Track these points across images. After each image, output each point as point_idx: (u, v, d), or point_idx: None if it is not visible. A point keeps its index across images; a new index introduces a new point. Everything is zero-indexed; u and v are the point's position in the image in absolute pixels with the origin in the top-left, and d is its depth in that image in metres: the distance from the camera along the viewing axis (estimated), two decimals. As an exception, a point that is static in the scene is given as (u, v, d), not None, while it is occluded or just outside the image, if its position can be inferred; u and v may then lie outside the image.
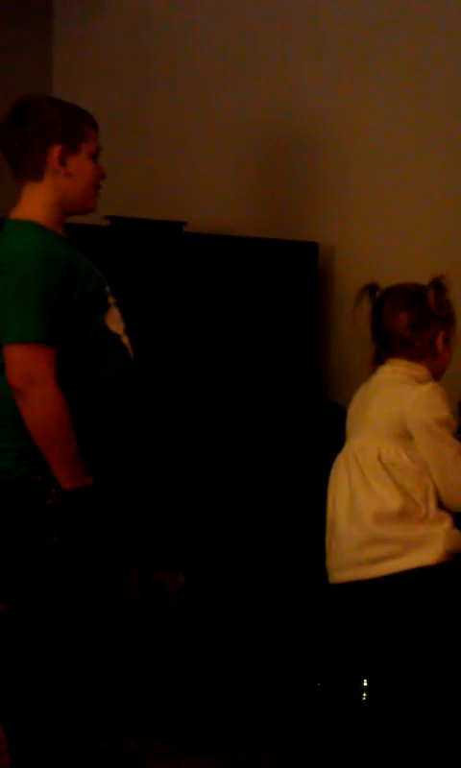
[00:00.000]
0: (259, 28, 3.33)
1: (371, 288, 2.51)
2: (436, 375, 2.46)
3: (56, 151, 2.27)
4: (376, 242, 3.22)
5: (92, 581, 2.27)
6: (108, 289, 2.33)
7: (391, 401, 2.39)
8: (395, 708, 2.29)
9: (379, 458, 2.34)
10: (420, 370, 2.42)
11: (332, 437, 2.63)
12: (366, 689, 2.29)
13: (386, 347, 2.46)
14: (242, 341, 3.18)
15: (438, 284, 2.43)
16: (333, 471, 2.47)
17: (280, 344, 3.19)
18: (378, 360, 2.48)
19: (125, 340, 2.35)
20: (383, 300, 2.48)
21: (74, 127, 2.29)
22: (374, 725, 2.33)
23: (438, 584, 2.24)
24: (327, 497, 2.46)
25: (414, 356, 2.43)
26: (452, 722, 2.24)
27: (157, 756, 2.51)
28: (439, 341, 2.43)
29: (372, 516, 2.30)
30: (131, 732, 2.53)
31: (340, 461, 2.44)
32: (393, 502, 2.29)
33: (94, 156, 2.33)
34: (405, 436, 2.34)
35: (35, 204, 2.29)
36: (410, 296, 2.45)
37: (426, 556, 2.25)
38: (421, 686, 2.25)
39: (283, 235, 3.25)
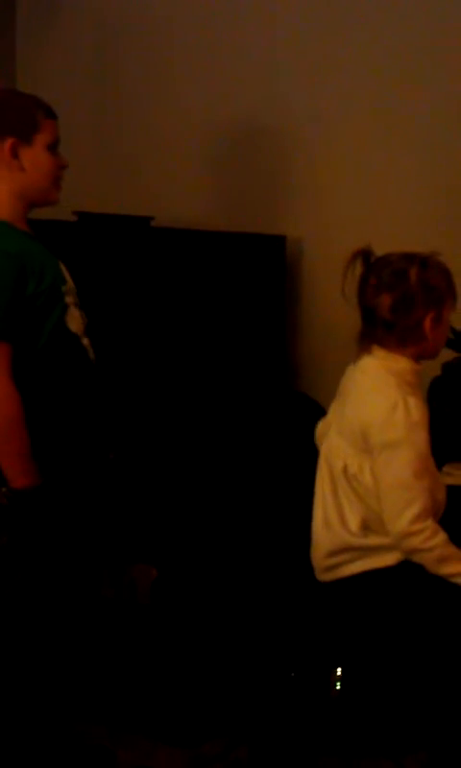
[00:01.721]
0: (227, 23, 3.33)
1: (365, 254, 2.27)
2: (427, 357, 2.29)
3: (7, 144, 2.24)
4: (345, 234, 3.21)
5: (44, 581, 2.26)
6: (65, 288, 2.31)
7: (359, 410, 2.23)
8: (367, 698, 2.30)
9: (345, 469, 2.24)
10: (400, 362, 2.24)
11: (302, 428, 2.63)
12: (339, 679, 2.30)
13: (369, 329, 2.25)
14: (211, 335, 3.18)
15: (423, 262, 2.23)
16: (317, 470, 2.38)
17: (250, 337, 3.19)
18: (363, 341, 2.27)
19: (85, 341, 2.33)
20: (369, 272, 2.25)
21: (26, 118, 2.25)
22: (347, 714, 2.35)
23: (397, 583, 2.23)
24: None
25: (398, 342, 2.23)
26: (422, 711, 2.25)
27: (132, 749, 2.51)
28: (426, 323, 2.22)
29: (341, 526, 2.25)
30: (104, 725, 2.53)
31: (321, 461, 2.35)
32: (354, 515, 2.24)
33: (51, 147, 2.29)
34: (369, 451, 2.21)
35: None
36: (395, 274, 2.22)
37: (386, 558, 2.22)
38: (391, 677, 2.26)
39: (251, 229, 3.25)
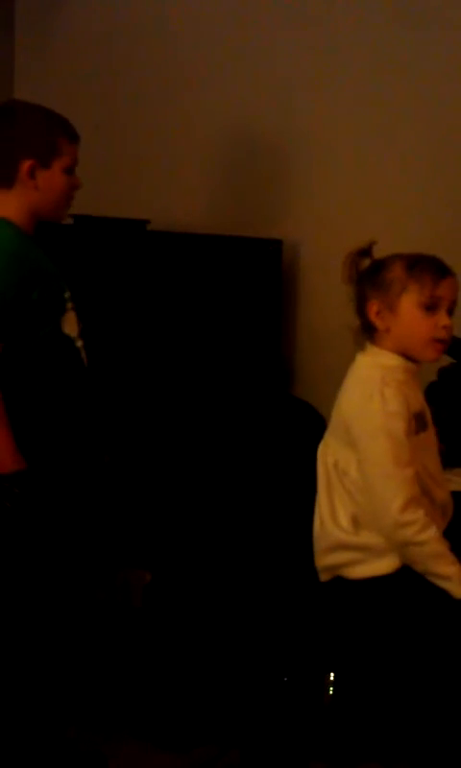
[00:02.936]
0: (227, 29, 3.33)
1: (366, 253, 2.28)
2: (414, 354, 2.24)
3: (26, 165, 2.28)
4: (341, 239, 3.20)
5: (38, 583, 2.26)
6: (67, 294, 2.33)
7: (343, 404, 2.25)
8: (360, 704, 2.29)
9: (336, 465, 2.24)
10: (389, 358, 2.23)
11: (299, 433, 2.63)
12: (332, 684, 2.29)
13: (362, 326, 2.27)
14: (207, 339, 3.17)
15: (352, 255, 2.25)
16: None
17: (245, 341, 3.19)
18: (358, 341, 2.28)
19: (79, 343, 2.35)
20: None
21: (50, 142, 2.30)
22: (339, 720, 2.34)
23: (394, 591, 2.21)
24: None
25: (374, 340, 2.25)
26: (416, 719, 2.25)
27: (124, 754, 2.50)
28: (372, 315, 2.22)
29: (333, 523, 2.24)
30: (95, 730, 2.52)
31: (318, 461, 2.33)
32: (344, 512, 2.23)
33: (68, 170, 2.33)
34: (353, 444, 2.21)
35: (8, 206, 2.30)
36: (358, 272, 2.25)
37: (384, 565, 2.20)
38: (386, 684, 2.25)
39: (248, 233, 3.25)
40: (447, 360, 2.98)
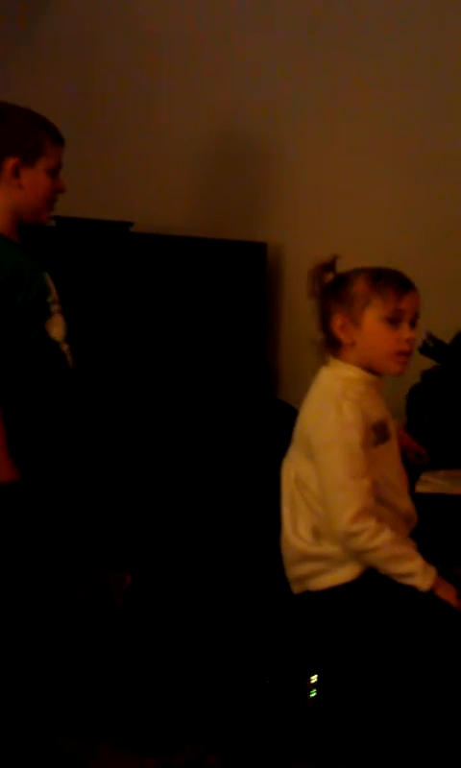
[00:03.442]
0: (211, 32, 3.33)
1: (329, 268, 2.28)
2: (377, 364, 2.25)
3: (10, 163, 2.29)
4: (325, 242, 3.21)
5: (17, 585, 2.25)
6: (50, 299, 2.33)
7: (304, 416, 2.27)
8: (340, 707, 2.29)
9: (297, 478, 2.26)
10: (350, 370, 2.25)
11: (282, 437, 2.62)
12: (313, 687, 2.29)
13: (325, 341, 2.29)
14: (190, 342, 3.17)
15: (316, 270, 2.26)
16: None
17: (229, 344, 3.18)
18: (322, 354, 2.30)
19: (65, 347, 2.35)
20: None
21: (35, 142, 2.30)
22: (321, 723, 2.34)
23: (359, 598, 2.22)
24: None
25: (336, 353, 2.26)
26: (398, 723, 2.25)
27: (104, 758, 2.49)
28: (336, 329, 2.23)
29: (294, 534, 2.27)
30: (75, 733, 2.51)
31: (282, 473, 2.36)
32: (304, 523, 2.25)
33: (52, 172, 2.34)
34: (312, 456, 2.22)
35: None
36: (322, 286, 2.26)
37: (346, 574, 2.22)
38: (363, 687, 2.25)
39: (231, 235, 3.25)
40: (430, 363, 2.99)
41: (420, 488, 2.64)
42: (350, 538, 2.17)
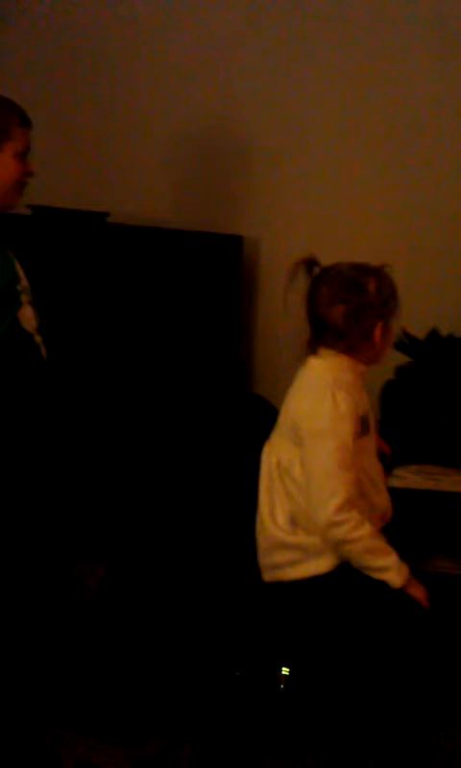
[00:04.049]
0: (187, 24, 3.32)
1: (308, 263, 2.29)
2: (370, 363, 2.32)
3: None
4: (302, 236, 3.24)
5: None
6: (20, 287, 2.30)
7: (293, 403, 2.29)
8: (311, 699, 2.30)
9: (278, 464, 2.28)
10: (346, 362, 2.28)
11: (256, 431, 2.62)
12: (284, 679, 2.30)
13: (319, 335, 2.28)
14: (166, 334, 3.16)
15: (379, 274, 2.27)
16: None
17: (205, 337, 3.18)
18: (311, 347, 2.30)
19: (38, 339, 2.32)
20: (320, 282, 2.27)
21: (1, 125, 2.25)
22: (292, 715, 2.35)
23: (333, 589, 2.23)
24: None
25: (347, 348, 2.27)
26: (370, 714, 2.26)
27: (74, 748, 2.49)
28: (377, 332, 2.27)
29: (271, 521, 2.27)
30: (45, 724, 2.50)
31: (262, 459, 2.37)
32: (282, 511, 2.26)
33: (21, 155, 2.29)
34: (299, 443, 2.24)
35: None
36: (350, 284, 2.25)
37: (321, 565, 2.23)
38: (334, 680, 2.27)
39: (208, 228, 3.24)
40: (404, 359, 3.00)
41: (393, 482, 2.65)
42: (333, 527, 2.18)
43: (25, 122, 2.30)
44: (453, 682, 2.54)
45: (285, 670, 2.29)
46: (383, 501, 2.35)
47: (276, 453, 2.30)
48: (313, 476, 2.21)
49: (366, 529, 2.18)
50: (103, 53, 3.43)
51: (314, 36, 3.19)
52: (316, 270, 2.29)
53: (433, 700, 2.21)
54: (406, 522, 2.47)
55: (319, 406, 2.22)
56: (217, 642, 2.51)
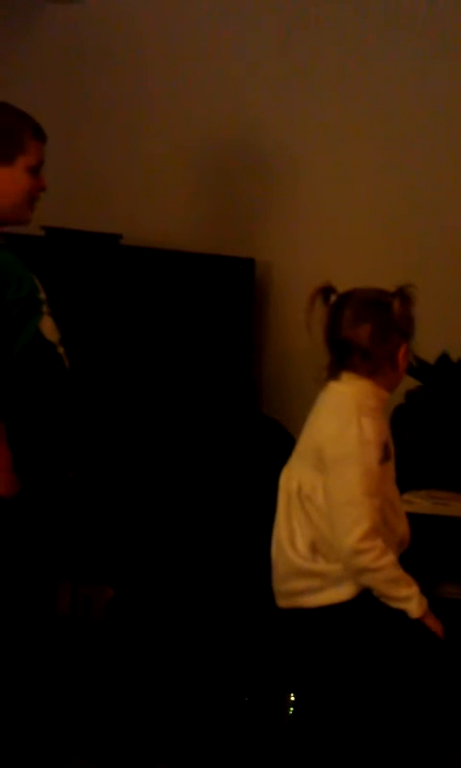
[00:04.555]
0: (204, 43, 3.34)
1: (325, 291, 2.28)
2: (391, 389, 2.30)
3: None
4: (314, 259, 3.25)
5: (9, 593, 2.24)
6: (42, 296, 2.30)
7: (316, 428, 2.25)
8: (319, 726, 2.29)
9: (299, 490, 2.24)
10: (370, 388, 2.24)
11: (268, 452, 2.62)
12: (292, 705, 2.28)
13: (342, 358, 2.24)
14: (178, 355, 3.17)
15: (404, 294, 2.24)
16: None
17: (217, 359, 3.19)
18: (332, 372, 2.27)
19: (60, 350, 2.31)
20: (342, 306, 2.24)
21: (13, 138, 2.25)
22: (299, 740, 2.33)
23: (353, 618, 2.21)
24: None
25: (371, 370, 2.24)
26: (379, 743, 2.24)
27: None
28: (400, 354, 2.25)
29: (291, 547, 2.24)
30: (51, 749, 2.49)
31: (280, 485, 2.33)
32: (303, 537, 2.23)
33: (33, 170, 2.28)
34: (322, 469, 2.20)
35: None
36: (374, 304, 2.23)
37: (341, 593, 2.20)
38: (348, 708, 2.25)
39: (221, 250, 3.25)
40: (414, 383, 3.00)
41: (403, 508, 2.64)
42: (357, 555, 2.15)
43: (39, 135, 2.29)
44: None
45: (292, 697, 2.27)
46: (403, 527, 2.32)
47: (296, 478, 2.26)
48: (337, 503, 2.17)
49: (389, 558, 2.16)
50: (114, 74, 3.45)
51: (330, 59, 3.21)
52: (332, 297, 2.28)
53: (448, 730, 2.19)
54: (415, 547, 2.46)
55: (345, 431, 2.18)
56: (226, 667, 2.50)
